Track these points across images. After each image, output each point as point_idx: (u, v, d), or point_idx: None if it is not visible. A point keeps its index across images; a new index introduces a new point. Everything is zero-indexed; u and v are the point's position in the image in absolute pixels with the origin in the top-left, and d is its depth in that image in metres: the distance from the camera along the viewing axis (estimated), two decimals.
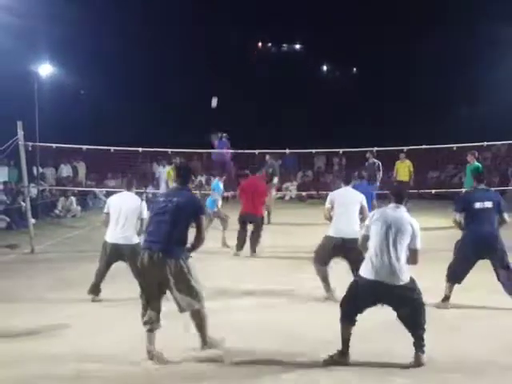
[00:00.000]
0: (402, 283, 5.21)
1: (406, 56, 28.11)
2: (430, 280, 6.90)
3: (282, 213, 14.82)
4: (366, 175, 15.37)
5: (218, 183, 12.10)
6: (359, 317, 5.41)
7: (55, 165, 19.69)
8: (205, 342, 5.63)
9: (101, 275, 7.56)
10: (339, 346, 5.36)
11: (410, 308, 5.26)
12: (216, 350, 5.61)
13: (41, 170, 17.53)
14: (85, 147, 14.63)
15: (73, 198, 16.83)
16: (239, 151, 17.78)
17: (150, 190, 20.30)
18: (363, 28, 29.02)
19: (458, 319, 6.61)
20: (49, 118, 18.62)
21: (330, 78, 38.56)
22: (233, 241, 11.07)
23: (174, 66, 27.72)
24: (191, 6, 28.18)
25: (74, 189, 17.45)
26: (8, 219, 14.12)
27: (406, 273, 5.25)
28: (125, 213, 7.43)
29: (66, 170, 19.82)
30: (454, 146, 14.77)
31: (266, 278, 8.87)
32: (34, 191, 15.50)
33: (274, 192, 15.11)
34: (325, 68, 40.13)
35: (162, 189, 19.70)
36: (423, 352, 5.20)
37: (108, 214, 7.60)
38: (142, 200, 7.74)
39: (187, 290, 5.47)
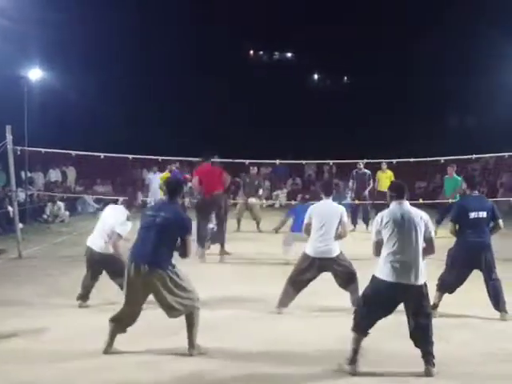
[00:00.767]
0: (420, 283, 5.18)
1: (396, 66, 28.36)
2: None
3: (271, 220, 14.81)
4: (355, 185, 15.49)
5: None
6: None
7: (44, 169, 19.59)
8: (192, 345, 5.68)
9: (86, 280, 7.50)
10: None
11: (422, 314, 5.20)
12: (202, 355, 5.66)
13: (29, 174, 17.42)
14: (74, 153, 14.54)
15: (61, 204, 16.73)
16: (229, 161, 17.75)
17: (140, 196, 20.23)
18: (355, 37, 29.24)
19: (446, 328, 6.63)
20: (38, 122, 18.52)
21: (321, 87, 38.75)
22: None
23: (165, 71, 27.75)
24: (184, 14, 28.25)
25: (62, 194, 17.35)
26: None
27: (424, 272, 5.23)
28: (102, 219, 7.44)
29: (54, 175, 19.72)
30: (442, 158, 14.83)
31: (255, 284, 8.84)
32: (21, 196, 15.39)
33: (260, 202, 15.19)
34: (316, 76, 40.35)
35: (152, 195, 19.74)
36: (433, 365, 5.17)
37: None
38: (128, 217, 7.30)
39: (179, 295, 5.54)
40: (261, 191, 15.50)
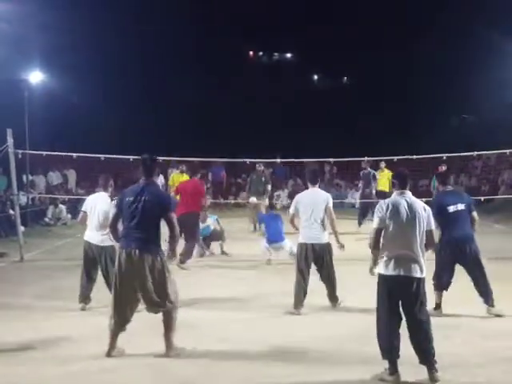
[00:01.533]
0: (420, 276, 5.07)
1: (397, 66, 28.34)
2: None
3: None
4: (362, 184, 15.51)
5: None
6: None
7: (45, 172, 19.59)
8: (170, 346, 5.64)
9: (82, 279, 7.49)
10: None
11: (421, 310, 5.06)
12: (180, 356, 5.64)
13: (30, 177, 17.42)
14: (75, 155, 14.54)
15: (62, 207, 16.74)
16: (230, 160, 17.78)
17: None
18: (355, 37, 29.25)
19: (448, 327, 6.61)
20: (39, 125, 18.53)
21: (321, 87, 38.75)
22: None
23: (166, 74, 27.78)
24: (184, 15, 28.27)
25: (63, 197, 17.35)
26: None
27: (424, 265, 5.12)
28: (97, 214, 7.38)
29: (54, 178, 19.72)
30: (444, 155, 14.83)
31: (257, 285, 8.85)
32: (23, 199, 15.40)
33: (264, 201, 15.16)
34: (316, 77, 40.35)
35: None
36: (437, 370, 4.99)
37: (85, 212, 7.58)
38: (113, 200, 7.27)
39: (163, 288, 5.53)
40: (269, 187, 15.51)
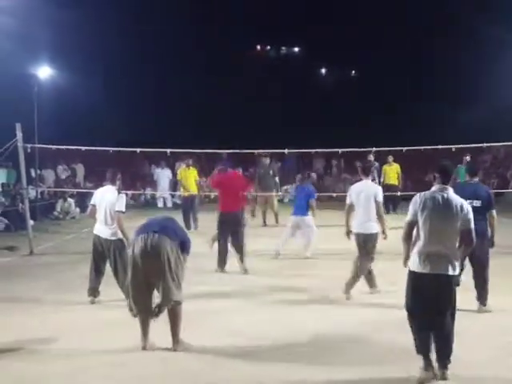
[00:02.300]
0: (452, 273, 4.87)
1: (405, 57, 28.19)
2: None
3: (282, 214, 14.75)
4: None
5: None
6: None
7: (54, 167, 19.69)
8: (177, 341, 5.65)
9: (91, 273, 7.50)
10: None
11: (445, 311, 4.90)
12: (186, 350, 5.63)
13: (39, 171, 17.51)
14: (84, 148, 14.60)
15: (71, 200, 16.82)
16: (237, 151, 17.75)
17: (149, 191, 20.34)
18: (363, 31, 29.09)
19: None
20: (48, 119, 18.61)
21: (329, 81, 38.60)
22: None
23: (173, 68, 27.77)
24: (189, 8, 28.24)
25: (72, 190, 17.43)
26: (6, 221, 14.11)
27: (457, 262, 4.93)
28: (105, 207, 7.37)
29: (63, 172, 19.82)
30: (453, 147, 14.74)
31: (268, 278, 8.85)
32: (32, 193, 15.49)
33: (275, 194, 15.13)
34: (323, 70, 40.20)
35: (161, 190, 19.80)
36: (448, 369, 4.90)
37: (94, 206, 7.56)
38: (120, 193, 7.43)
39: (176, 277, 5.54)
40: (277, 179, 15.49)
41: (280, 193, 15.13)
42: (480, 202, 6.81)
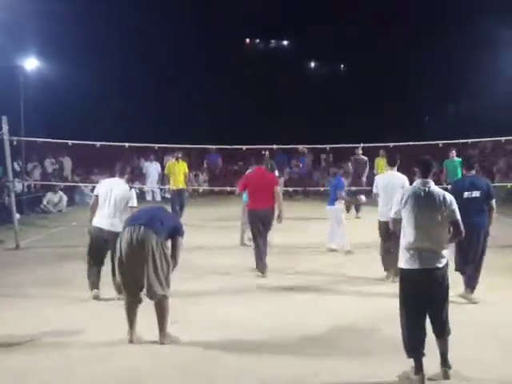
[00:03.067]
0: (442, 266, 4.86)
1: (394, 53, 28.25)
2: None
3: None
4: (352, 169, 15.50)
5: None
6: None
7: (41, 160, 19.55)
8: (164, 334, 5.67)
9: (89, 269, 7.29)
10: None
11: (440, 300, 4.90)
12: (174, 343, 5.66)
13: (29, 165, 17.39)
14: (70, 142, 14.51)
15: (62, 193, 16.73)
16: (225, 147, 17.75)
17: (137, 184, 20.27)
18: (352, 24, 29.12)
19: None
20: (34, 112, 18.45)
21: (318, 74, 38.65)
22: None
23: (160, 59, 27.63)
24: (180, 1, 28.11)
25: (59, 184, 17.32)
26: None
27: (446, 253, 4.92)
28: (114, 199, 7.22)
29: (50, 165, 19.69)
30: (440, 142, 14.85)
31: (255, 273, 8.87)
32: (18, 186, 15.37)
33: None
34: (312, 64, 40.23)
35: (150, 183, 19.78)
36: (450, 367, 4.89)
37: (97, 196, 7.38)
38: (131, 188, 7.45)
39: (161, 272, 5.55)
40: (276, 172, 15.49)
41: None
42: (479, 192, 7.01)
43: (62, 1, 21.07)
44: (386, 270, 8.25)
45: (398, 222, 5.05)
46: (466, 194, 6.98)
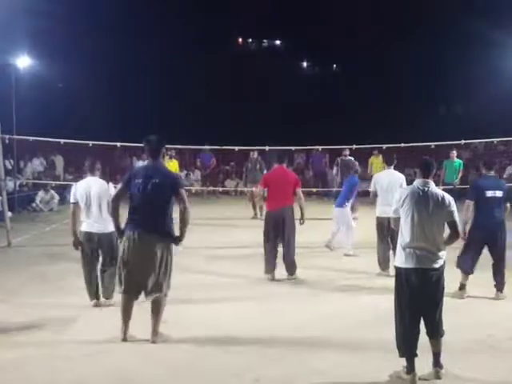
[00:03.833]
0: (438, 266, 4.88)
1: (385, 55, 28.35)
2: None
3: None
4: (339, 171, 15.52)
5: None
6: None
7: (32, 158, 19.47)
8: (156, 332, 5.66)
9: (87, 275, 6.93)
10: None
11: (435, 301, 4.91)
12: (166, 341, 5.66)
13: (22, 163, 17.31)
14: (62, 141, 14.46)
15: (53, 192, 16.66)
16: (218, 147, 17.78)
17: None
18: (344, 25, 29.21)
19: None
20: (26, 110, 18.37)
21: (310, 74, 38.72)
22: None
23: (153, 58, 27.60)
24: (173, 1, 28.10)
25: (51, 182, 17.26)
26: None
27: (443, 254, 4.94)
28: (95, 199, 6.82)
29: (39, 164, 19.59)
30: (433, 144, 14.93)
31: (254, 272, 8.79)
32: (10, 184, 15.30)
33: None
34: (305, 64, 40.30)
35: None
36: (442, 367, 4.92)
37: (76, 203, 6.88)
38: (109, 182, 7.04)
39: (165, 273, 5.57)
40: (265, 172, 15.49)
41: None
42: (502, 192, 7.18)
43: None
44: (380, 265, 8.57)
45: (397, 220, 5.08)
46: (489, 193, 7.09)
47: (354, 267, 9.17)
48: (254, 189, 14.18)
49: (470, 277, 7.34)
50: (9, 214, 12.01)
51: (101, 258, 6.92)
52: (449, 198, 5.01)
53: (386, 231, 8.32)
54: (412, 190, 5.01)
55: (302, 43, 33.48)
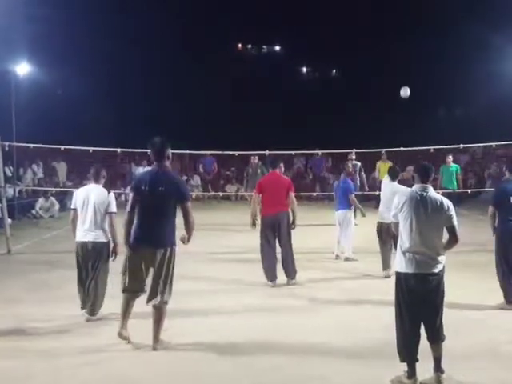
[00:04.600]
0: (438, 271, 4.87)
1: (385, 59, 28.39)
2: None
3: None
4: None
5: None
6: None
7: (32, 165, 19.48)
8: (157, 339, 5.65)
9: (80, 285, 6.80)
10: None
11: (435, 306, 4.89)
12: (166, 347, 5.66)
13: (21, 170, 17.32)
14: (63, 147, 14.48)
15: (53, 199, 16.65)
16: (219, 152, 17.80)
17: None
18: (344, 30, 29.26)
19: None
20: (26, 117, 18.41)
21: (310, 79, 38.78)
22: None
23: (152, 65, 27.65)
24: (172, 6, 28.16)
25: (51, 189, 17.27)
26: None
27: (443, 259, 4.93)
28: (92, 207, 6.71)
29: (38, 170, 19.59)
30: (432, 148, 14.93)
31: (252, 277, 8.81)
32: (10, 191, 15.30)
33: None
34: (305, 69, 40.37)
35: None
36: (443, 372, 4.89)
37: (75, 209, 6.82)
38: (110, 192, 6.91)
39: (166, 281, 5.57)
40: None
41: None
42: None
43: (54, 6, 21.07)
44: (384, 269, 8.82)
45: (396, 225, 5.08)
46: None
47: (355, 272, 9.18)
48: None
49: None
50: (9, 221, 12.01)
51: (89, 267, 6.73)
52: (447, 202, 4.99)
53: (387, 235, 8.60)
54: (411, 195, 5.00)
55: (302, 48, 33.52)
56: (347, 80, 32.66)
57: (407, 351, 4.89)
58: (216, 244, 11.88)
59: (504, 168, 7.51)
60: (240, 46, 40.35)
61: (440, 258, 4.93)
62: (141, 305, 5.76)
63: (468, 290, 7.56)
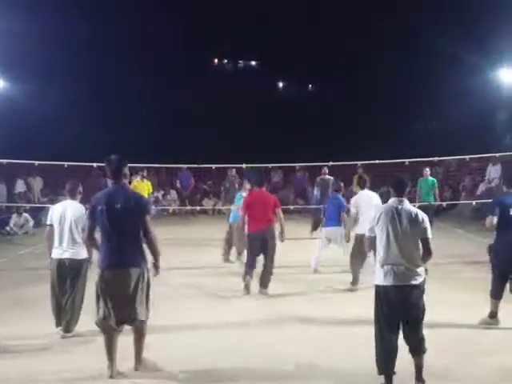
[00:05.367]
0: (416, 283, 4.90)
1: (360, 74, 28.72)
2: None
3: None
4: (319, 191, 15.50)
5: (242, 195, 10.94)
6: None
7: (7, 181, 19.20)
8: (139, 360, 5.48)
9: (55, 302, 6.69)
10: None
11: (415, 318, 4.91)
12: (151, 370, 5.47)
13: None
14: (37, 162, 14.32)
15: (27, 215, 16.41)
16: (196, 166, 17.78)
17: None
18: (320, 45, 29.56)
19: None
20: (0, 133, 18.20)
21: (286, 94, 39.03)
22: None
23: (127, 80, 27.52)
24: (147, 22, 28.18)
25: (26, 205, 17.03)
26: None
27: (422, 270, 4.96)
28: (69, 223, 6.60)
29: (21, 186, 19.35)
30: (406, 160, 15.11)
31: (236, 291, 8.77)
32: None
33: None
34: (281, 84, 40.66)
35: None
36: (424, 382, 4.95)
37: (52, 225, 6.72)
38: (87, 209, 6.62)
39: (145, 300, 5.41)
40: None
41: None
42: None
43: (27, 21, 20.91)
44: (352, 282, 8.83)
45: (372, 239, 5.09)
46: None
47: (336, 285, 9.15)
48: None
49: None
50: None
51: (68, 284, 6.61)
52: (422, 214, 5.05)
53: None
54: (386, 209, 5.07)
55: (278, 63, 33.79)
56: (322, 94, 32.97)
57: (384, 364, 4.91)
58: (193, 259, 11.78)
59: (501, 183, 7.41)
60: (216, 61, 40.51)
61: (419, 270, 4.96)
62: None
63: (447, 303, 7.56)
